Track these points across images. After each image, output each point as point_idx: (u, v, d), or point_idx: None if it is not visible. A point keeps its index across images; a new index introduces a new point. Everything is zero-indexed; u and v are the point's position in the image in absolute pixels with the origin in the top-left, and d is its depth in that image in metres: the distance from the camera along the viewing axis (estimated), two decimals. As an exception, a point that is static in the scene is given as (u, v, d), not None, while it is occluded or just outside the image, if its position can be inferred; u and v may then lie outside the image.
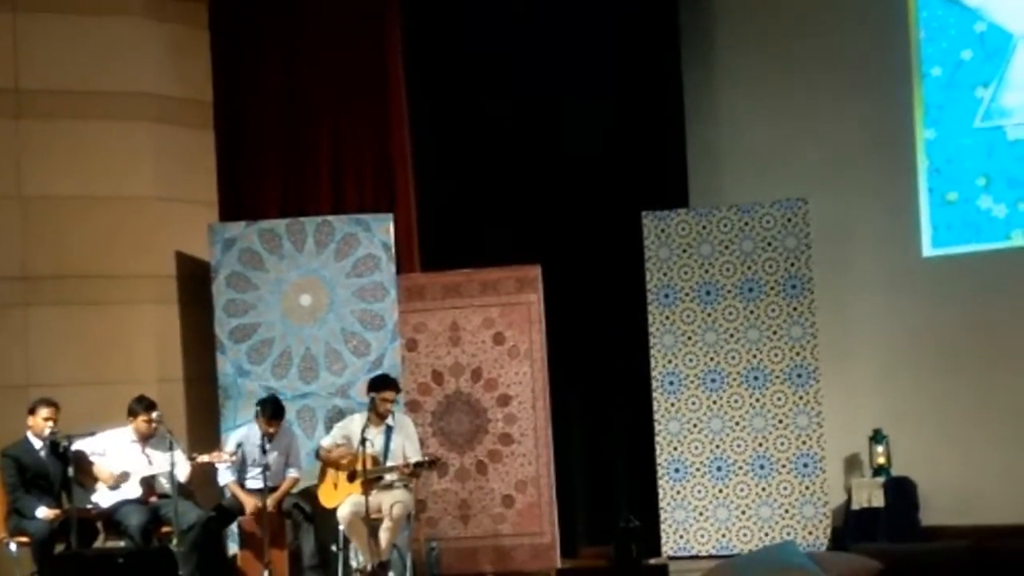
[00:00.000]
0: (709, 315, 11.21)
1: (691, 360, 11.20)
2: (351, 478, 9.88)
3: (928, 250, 11.54)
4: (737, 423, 11.12)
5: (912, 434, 11.26)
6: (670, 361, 11.22)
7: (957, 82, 11.52)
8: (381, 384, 10.07)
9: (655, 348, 11.23)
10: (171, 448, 9.52)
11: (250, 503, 9.95)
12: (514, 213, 11.69)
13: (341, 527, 9.85)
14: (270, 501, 9.87)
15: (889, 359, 11.47)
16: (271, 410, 10.03)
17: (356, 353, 10.79)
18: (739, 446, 11.10)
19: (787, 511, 11.01)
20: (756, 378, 11.10)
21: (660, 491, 11.17)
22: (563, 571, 10.71)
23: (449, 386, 11.05)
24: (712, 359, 11.17)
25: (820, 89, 11.75)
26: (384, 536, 9.79)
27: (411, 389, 10.98)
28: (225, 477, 10.09)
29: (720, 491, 11.11)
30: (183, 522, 9.46)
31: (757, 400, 11.10)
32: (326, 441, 10.16)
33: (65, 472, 9.48)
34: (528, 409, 10.93)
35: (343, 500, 9.86)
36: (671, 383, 11.21)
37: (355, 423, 10.02)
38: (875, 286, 11.58)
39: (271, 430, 10.01)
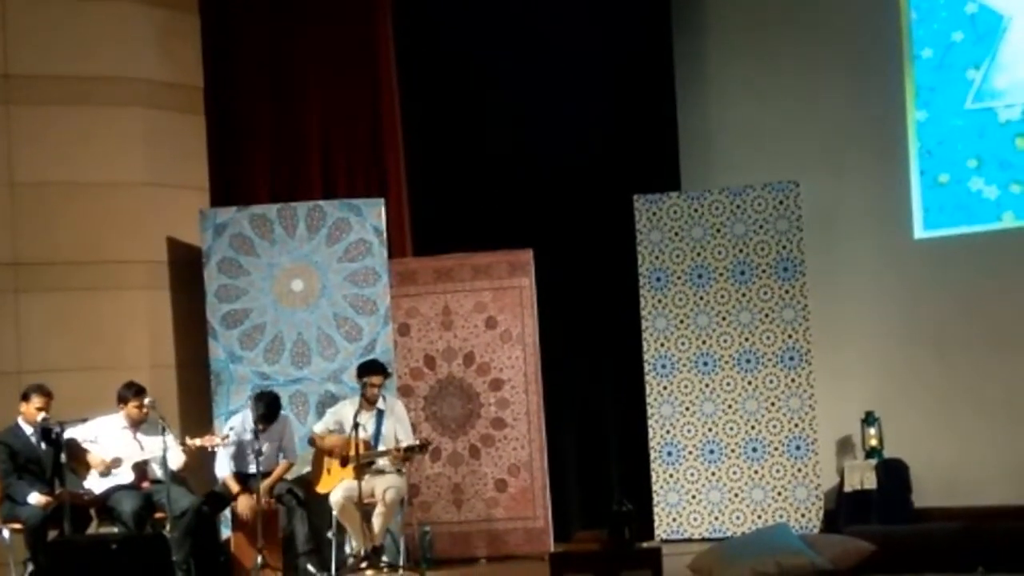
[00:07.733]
0: (701, 298, 11.21)
1: (683, 343, 11.21)
2: (344, 463, 9.88)
3: (920, 232, 11.55)
4: (730, 406, 11.13)
5: (904, 416, 11.27)
6: (662, 344, 11.22)
7: (948, 64, 11.51)
8: (368, 369, 10.06)
9: (647, 331, 11.24)
10: (163, 434, 9.49)
11: (242, 503, 9.83)
12: (506, 197, 11.68)
13: (334, 512, 9.85)
14: (263, 487, 9.86)
15: (881, 341, 11.48)
16: (264, 410, 9.92)
17: (348, 338, 10.77)
18: (732, 429, 11.11)
19: (780, 494, 11.02)
20: (748, 361, 11.11)
21: (653, 474, 11.19)
22: (556, 555, 10.64)
23: (441, 371, 11.04)
24: (704, 342, 11.18)
25: (811, 71, 11.75)
26: (377, 521, 9.80)
27: (403, 374, 10.98)
28: (223, 469, 10.02)
29: (713, 474, 11.13)
30: (176, 508, 9.45)
31: (749, 383, 11.10)
32: (318, 427, 10.16)
33: (57, 458, 9.46)
34: (520, 393, 10.93)
35: (336, 486, 9.86)
36: (663, 366, 11.21)
37: (347, 408, 10.02)
38: (867, 268, 11.59)
39: (261, 428, 9.94)
